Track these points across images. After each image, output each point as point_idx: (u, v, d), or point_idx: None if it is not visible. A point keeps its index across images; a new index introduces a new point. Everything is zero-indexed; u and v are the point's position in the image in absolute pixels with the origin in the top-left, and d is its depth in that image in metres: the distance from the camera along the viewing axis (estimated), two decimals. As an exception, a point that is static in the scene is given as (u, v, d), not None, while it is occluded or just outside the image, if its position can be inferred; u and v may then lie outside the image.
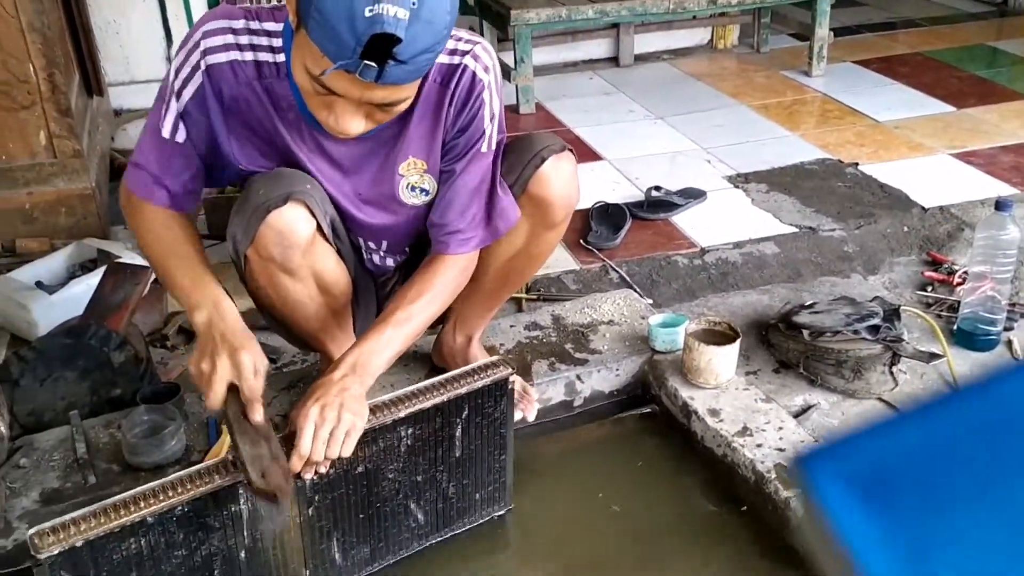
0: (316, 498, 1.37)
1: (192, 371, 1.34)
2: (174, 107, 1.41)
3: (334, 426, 1.29)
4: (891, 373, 1.91)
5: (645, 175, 2.91)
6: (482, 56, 1.45)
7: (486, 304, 1.77)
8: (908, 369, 1.96)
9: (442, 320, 1.79)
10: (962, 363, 2.00)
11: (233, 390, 1.31)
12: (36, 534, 1.18)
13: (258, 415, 1.30)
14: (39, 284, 2.21)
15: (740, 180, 2.88)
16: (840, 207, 2.66)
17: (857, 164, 2.95)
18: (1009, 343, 2.06)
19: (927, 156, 3.02)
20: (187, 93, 1.39)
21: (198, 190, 1.49)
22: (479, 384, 1.45)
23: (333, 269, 1.54)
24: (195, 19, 3.58)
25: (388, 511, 1.47)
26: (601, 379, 1.90)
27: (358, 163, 1.49)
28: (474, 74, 1.44)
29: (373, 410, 1.37)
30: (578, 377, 1.88)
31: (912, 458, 0.37)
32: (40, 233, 2.47)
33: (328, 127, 1.33)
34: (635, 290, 2.26)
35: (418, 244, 1.66)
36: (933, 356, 1.95)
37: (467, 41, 1.44)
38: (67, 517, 1.20)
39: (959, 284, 2.24)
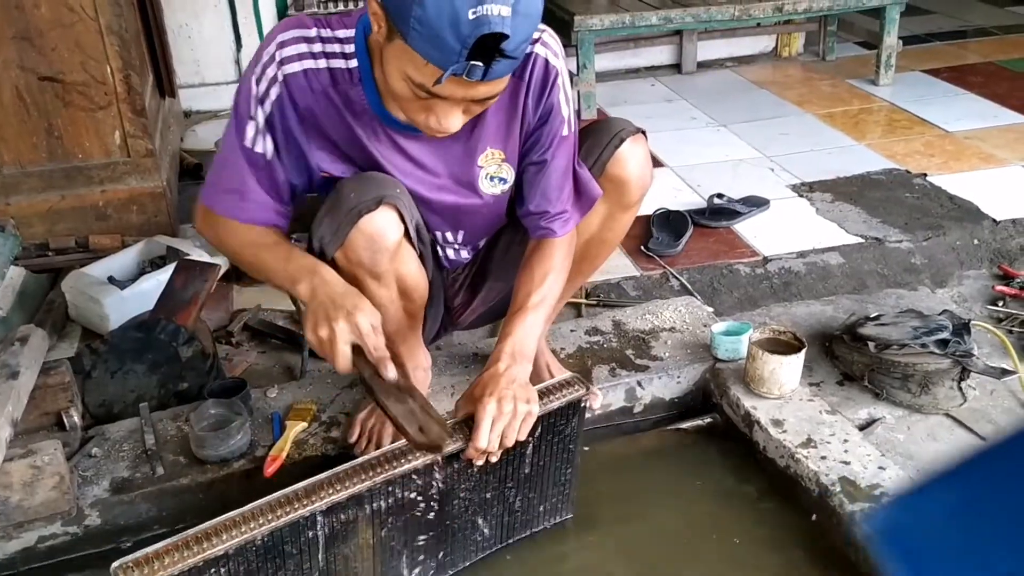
0: (390, 520, 1.37)
1: (311, 339, 1.35)
2: (258, 120, 1.42)
3: (511, 418, 1.35)
4: (960, 388, 1.87)
5: (707, 182, 2.89)
6: (551, 43, 1.47)
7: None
8: (977, 385, 1.91)
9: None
10: (1035, 380, 1.94)
11: (358, 351, 1.33)
12: (120, 567, 1.18)
13: (391, 372, 1.31)
14: (111, 279, 2.27)
15: (804, 189, 2.84)
16: (908, 218, 2.61)
17: (926, 175, 2.89)
18: (1085, 361, 2.00)
19: (999, 168, 2.95)
20: (268, 105, 1.41)
21: (285, 205, 1.49)
22: (555, 405, 1.44)
23: (415, 273, 1.56)
24: (264, 24, 3.67)
25: (456, 527, 1.47)
26: (662, 386, 1.89)
27: (437, 158, 1.51)
28: (547, 62, 1.46)
29: (448, 431, 1.37)
30: (639, 383, 1.87)
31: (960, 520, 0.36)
32: (112, 230, 2.53)
33: (428, 129, 1.34)
34: (696, 297, 2.24)
35: (492, 238, 1.69)
36: (1005, 372, 1.90)
37: (537, 29, 1.45)
38: (150, 551, 1.19)
39: (1032, 299, 2.18)
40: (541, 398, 1.42)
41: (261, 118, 1.41)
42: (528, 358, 1.46)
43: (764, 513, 1.65)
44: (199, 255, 2.25)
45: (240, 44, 3.66)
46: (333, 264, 1.48)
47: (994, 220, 2.57)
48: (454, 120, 1.32)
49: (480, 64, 1.19)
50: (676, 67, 4.04)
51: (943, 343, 1.88)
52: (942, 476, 0.37)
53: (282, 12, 3.64)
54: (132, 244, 2.42)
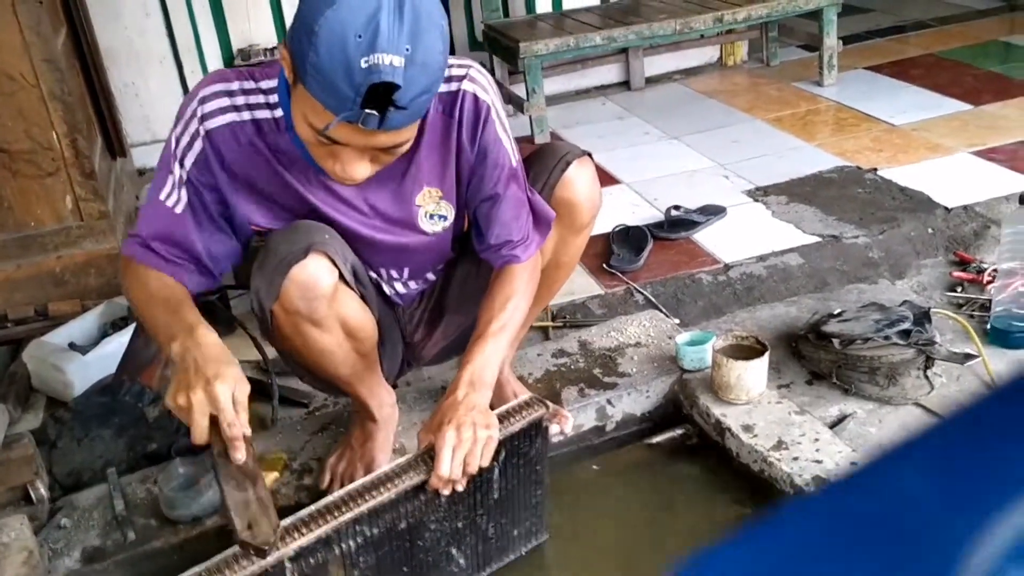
0: (362, 560, 1.36)
1: (170, 405, 1.28)
2: (175, 175, 1.41)
3: (471, 445, 1.34)
4: (926, 377, 1.88)
5: (664, 195, 2.91)
6: (478, 78, 1.47)
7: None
8: (943, 372, 1.93)
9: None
10: (998, 362, 1.96)
11: (217, 423, 1.26)
12: None
13: (240, 454, 1.25)
14: (72, 345, 2.24)
15: (759, 194, 2.87)
16: (862, 213, 2.64)
17: (876, 169, 2.93)
18: (1045, 338, 2.03)
19: (947, 156, 3.00)
20: (188, 160, 1.40)
21: (192, 262, 1.46)
22: (516, 428, 1.44)
23: (359, 314, 1.55)
24: (211, 75, 3.66)
25: (431, 560, 1.46)
26: (632, 402, 1.89)
27: (374, 199, 1.51)
28: (476, 97, 1.46)
29: (410, 466, 1.36)
30: (608, 401, 1.88)
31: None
32: (71, 295, 2.51)
33: (335, 175, 1.35)
34: (661, 310, 2.26)
35: (446, 272, 1.69)
36: (968, 357, 1.92)
37: (459, 66, 1.46)
38: None
39: (989, 282, 2.21)
40: (501, 421, 1.42)
41: (178, 173, 1.41)
42: (488, 385, 1.44)
43: (743, 520, 1.65)
44: (159, 313, 2.23)
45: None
46: (273, 317, 1.46)
47: (946, 208, 2.61)
48: (359, 168, 1.31)
49: (375, 113, 1.19)
50: (625, 84, 4.08)
51: (905, 333, 1.90)
52: (763, 529, 0.36)
53: (228, 63, 3.65)
54: (92, 308, 2.40)
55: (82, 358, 2.15)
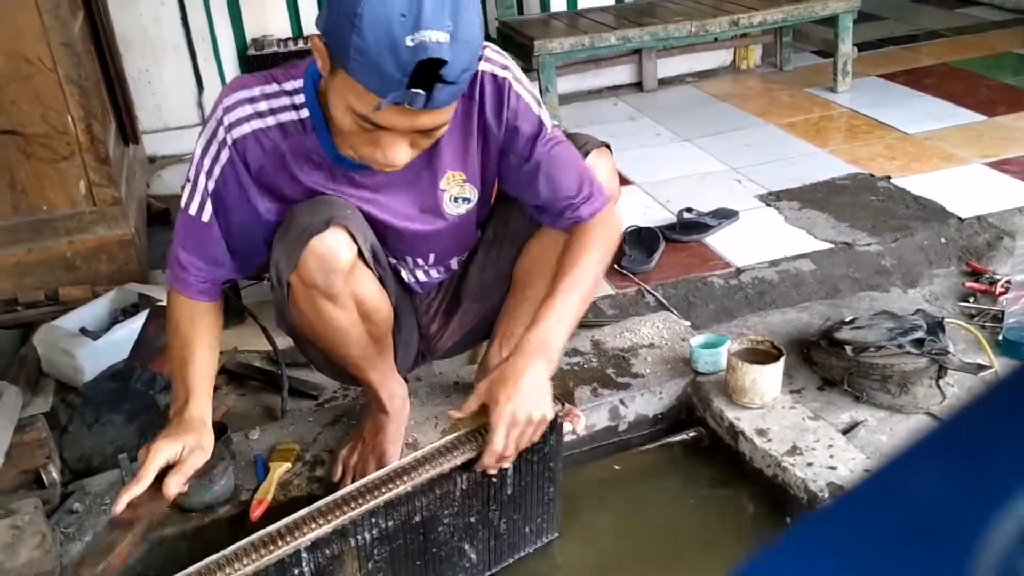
0: (376, 552, 1.36)
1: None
2: (201, 187, 1.43)
3: (525, 425, 1.36)
4: (938, 386, 1.88)
5: (676, 197, 2.91)
6: (493, 57, 1.47)
7: (529, 315, 1.75)
8: (955, 382, 1.93)
9: (487, 340, 1.80)
10: (1011, 373, 1.96)
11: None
12: None
13: (119, 505, 1.33)
14: (83, 331, 2.24)
15: (772, 198, 2.87)
16: (875, 221, 2.64)
17: (889, 177, 2.93)
18: (1058, 351, 2.03)
19: (960, 166, 2.99)
20: (216, 171, 1.42)
21: (224, 272, 1.53)
22: None
23: (375, 295, 1.55)
24: (224, 66, 3.67)
25: (443, 555, 1.46)
26: (645, 403, 1.89)
27: (400, 190, 1.52)
28: (494, 76, 1.46)
29: (426, 460, 1.37)
30: (621, 402, 1.87)
31: None
32: (82, 280, 2.50)
33: (375, 163, 1.34)
34: (673, 312, 2.25)
35: (464, 260, 1.70)
36: (981, 367, 1.92)
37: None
38: None
39: (1002, 294, 2.21)
40: (480, 435, 1.41)
41: (204, 184, 1.43)
42: (556, 349, 1.41)
43: (754, 524, 1.65)
44: (172, 300, 2.22)
45: (202, 87, 3.66)
46: (290, 290, 1.48)
47: (959, 218, 2.61)
48: (400, 153, 1.31)
49: (421, 92, 1.19)
50: (638, 85, 4.08)
51: (919, 342, 1.90)
52: (811, 525, 0.37)
53: (242, 53, 3.65)
54: (103, 294, 2.39)
55: (92, 343, 2.14)
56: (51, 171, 2.42)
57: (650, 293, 2.38)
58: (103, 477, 1.74)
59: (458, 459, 1.38)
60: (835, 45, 3.71)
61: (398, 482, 1.33)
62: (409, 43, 1.16)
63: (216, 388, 2.13)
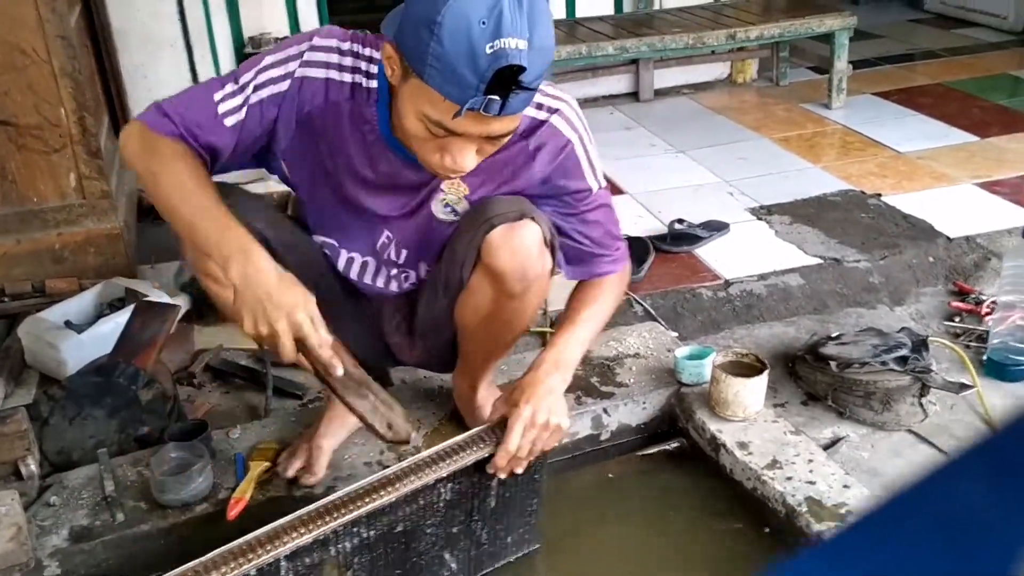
0: (356, 561, 1.35)
1: (249, 331, 1.30)
2: (245, 94, 1.39)
3: (541, 430, 1.39)
4: (921, 404, 1.89)
5: (668, 208, 2.91)
6: (569, 115, 1.48)
7: (481, 360, 1.74)
8: (938, 400, 1.94)
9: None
10: (993, 394, 1.97)
11: (303, 343, 1.31)
12: None
13: (339, 370, 1.31)
14: (68, 323, 2.23)
15: (763, 212, 2.88)
16: (864, 238, 2.65)
17: (880, 195, 2.94)
18: (1041, 373, 2.04)
19: (951, 186, 3.01)
20: (267, 91, 1.40)
21: (208, 156, 1.41)
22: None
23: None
24: (221, 62, 3.66)
25: (423, 564, 1.45)
26: (628, 412, 1.89)
27: (420, 177, 1.49)
28: (560, 132, 1.47)
29: (412, 470, 1.37)
30: (605, 411, 1.87)
31: None
32: (69, 273, 2.49)
33: (443, 169, 1.34)
34: (660, 323, 2.26)
35: (416, 294, 1.67)
36: (963, 387, 1.93)
37: (554, 98, 1.46)
38: None
39: (987, 314, 2.22)
40: (497, 432, 1.42)
41: (248, 94, 1.39)
42: (571, 368, 1.50)
43: (733, 536, 1.65)
44: (158, 296, 2.22)
45: (197, 83, 3.65)
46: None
47: (948, 237, 2.62)
48: (468, 159, 1.32)
49: (497, 98, 1.21)
50: (634, 95, 4.09)
51: (903, 360, 1.91)
52: (854, 529, 0.38)
53: (239, 51, 3.64)
54: (89, 287, 2.38)
55: (77, 337, 2.14)
56: (42, 162, 2.41)
57: (638, 303, 2.38)
58: (82, 471, 1.73)
59: (470, 458, 1.38)
60: (831, 62, 3.72)
61: (381, 492, 1.32)
62: (488, 50, 1.18)
63: (199, 385, 2.13)
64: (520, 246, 1.47)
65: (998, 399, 1.96)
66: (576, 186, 1.52)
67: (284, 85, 1.40)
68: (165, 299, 2.18)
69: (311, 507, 1.30)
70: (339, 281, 1.66)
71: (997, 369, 2.03)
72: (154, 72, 3.59)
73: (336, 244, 1.61)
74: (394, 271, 1.64)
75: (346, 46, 1.42)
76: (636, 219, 2.88)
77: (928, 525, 0.34)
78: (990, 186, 2.97)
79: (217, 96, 1.39)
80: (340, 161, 1.48)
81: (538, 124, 1.45)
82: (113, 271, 2.49)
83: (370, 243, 1.60)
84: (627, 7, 4.06)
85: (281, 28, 3.67)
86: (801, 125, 3.66)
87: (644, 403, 1.90)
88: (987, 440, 0.36)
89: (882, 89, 3.99)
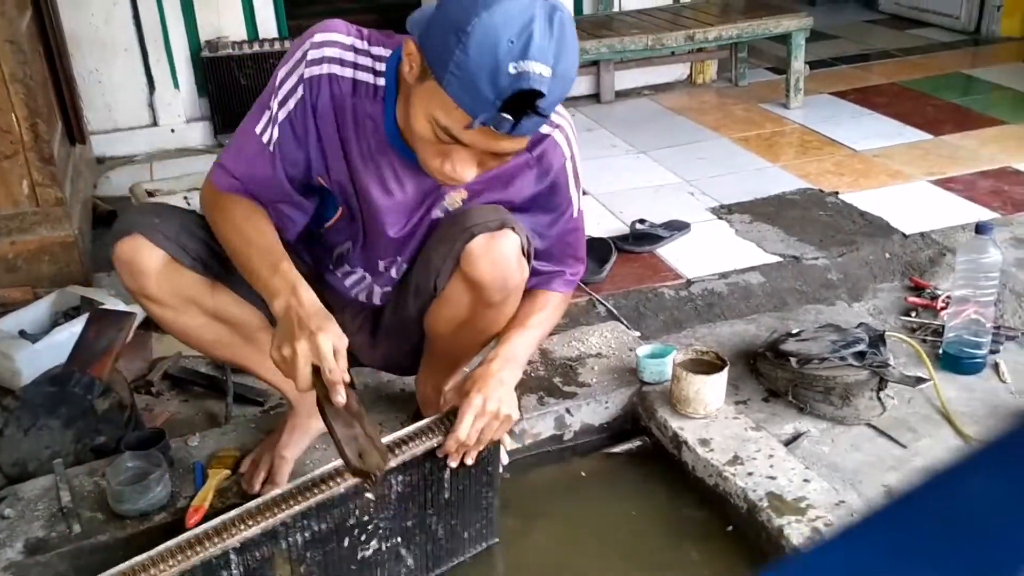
0: (308, 555, 1.35)
1: (274, 357, 1.33)
2: (272, 111, 1.41)
3: (491, 418, 1.41)
4: (879, 399, 1.91)
5: (629, 208, 2.93)
6: (568, 133, 1.51)
7: (448, 364, 1.74)
8: (896, 394, 1.96)
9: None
10: (948, 386, 2.00)
11: (318, 372, 1.31)
12: None
13: (340, 396, 1.30)
14: (22, 333, 2.19)
15: (723, 211, 2.90)
16: (822, 235, 2.68)
17: (837, 193, 2.97)
18: (996, 366, 2.07)
19: (906, 183, 3.05)
20: (291, 102, 1.40)
21: (277, 195, 1.47)
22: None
23: (224, 299, 1.56)
24: (177, 67, 3.62)
25: (379, 559, 1.45)
26: (591, 412, 1.90)
27: (413, 200, 1.50)
28: (559, 148, 1.49)
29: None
30: (567, 411, 1.88)
31: None
32: (23, 282, 2.45)
33: (442, 174, 1.33)
34: (622, 322, 2.26)
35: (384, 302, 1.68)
36: (920, 380, 1.96)
37: (558, 114, 1.48)
38: None
39: (942, 309, 2.25)
40: (447, 422, 1.43)
41: (275, 111, 1.41)
42: (520, 365, 1.53)
43: (695, 533, 1.66)
44: (114, 304, 2.19)
45: (153, 88, 3.61)
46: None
47: (903, 234, 2.66)
48: (469, 170, 1.32)
49: (509, 118, 1.20)
50: (595, 96, 4.10)
51: (860, 355, 1.93)
52: (851, 530, 0.38)
53: (195, 55, 3.60)
54: (44, 296, 2.35)
55: (32, 346, 2.10)
56: (-7, 170, 2.36)
57: (601, 303, 2.39)
58: (37, 482, 1.70)
59: (419, 448, 1.39)
60: (788, 62, 3.77)
61: (330, 483, 1.32)
62: (512, 70, 1.17)
63: (158, 394, 2.10)
64: (500, 256, 1.47)
65: (953, 392, 2.00)
66: (559, 202, 1.55)
67: (300, 92, 1.40)
68: (121, 307, 2.15)
69: (259, 499, 1.30)
70: None
71: (952, 362, 2.06)
72: (108, 77, 3.55)
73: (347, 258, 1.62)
74: (387, 288, 1.65)
75: (348, 40, 1.40)
76: (598, 219, 2.89)
77: (930, 530, 0.35)
78: (944, 183, 3.02)
79: (258, 129, 1.43)
80: (345, 162, 1.46)
81: (541, 137, 1.46)
82: (68, 279, 2.45)
83: (372, 263, 1.60)
84: (587, 9, 4.08)
85: (238, 32, 3.64)
86: (760, 125, 3.69)
87: (606, 402, 1.90)
88: (990, 443, 0.36)
89: (839, 89, 4.05)
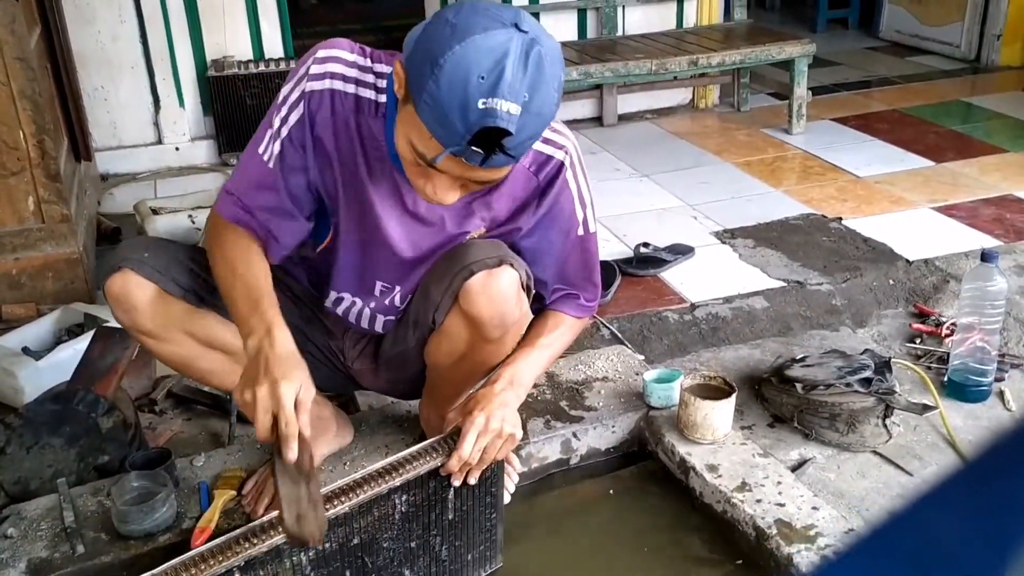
0: (312, 574, 1.34)
1: (236, 399, 1.31)
2: (274, 128, 1.42)
3: (494, 437, 1.40)
4: (885, 426, 1.91)
5: (633, 232, 2.93)
6: (573, 155, 1.51)
7: (451, 393, 1.71)
8: (901, 421, 1.96)
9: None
10: (954, 415, 2.00)
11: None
12: None
13: (292, 452, 1.24)
14: (25, 350, 2.19)
15: (727, 236, 2.91)
16: (826, 261, 2.69)
17: (840, 219, 2.98)
18: (1001, 394, 2.07)
19: (909, 210, 3.06)
20: (292, 118, 1.41)
21: (280, 224, 1.47)
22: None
23: (215, 327, 1.55)
24: (183, 87, 3.63)
25: None
26: (597, 436, 1.89)
27: (431, 218, 1.50)
28: (562, 168, 1.49)
29: (365, 480, 1.36)
30: (574, 434, 1.87)
31: None
32: (27, 299, 2.45)
33: (424, 195, 1.35)
34: (627, 346, 2.26)
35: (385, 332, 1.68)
36: (926, 408, 1.95)
37: (563, 136, 1.49)
38: None
39: (947, 336, 2.25)
40: (451, 442, 1.42)
41: (277, 127, 1.41)
42: (525, 387, 1.52)
43: (702, 560, 1.65)
44: (117, 322, 2.18)
45: (159, 106, 3.62)
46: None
47: (907, 260, 2.66)
48: (450, 194, 1.32)
49: (480, 151, 1.21)
50: (598, 120, 4.12)
51: (867, 381, 1.93)
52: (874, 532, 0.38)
53: (201, 74, 3.62)
54: (48, 313, 2.34)
55: (35, 364, 2.09)
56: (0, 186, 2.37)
57: (605, 326, 2.39)
58: (40, 502, 1.68)
59: (423, 467, 1.38)
60: (791, 88, 3.79)
61: (335, 502, 1.31)
62: (480, 105, 1.17)
63: (161, 412, 2.09)
64: (498, 293, 1.46)
65: (959, 420, 1.99)
66: (565, 222, 1.55)
67: (301, 107, 1.40)
68: (126, 325, 2.14)
69: (264, 518, 1.29)
70: (299, 308, 1.65)
71: (957, 390, 2.06)
72: (114, 94, 3.56)
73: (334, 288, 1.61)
74: (390, 317, 1.64)
75: (351, 57, 1.41)
76: (602, 243, 2.86)
77: (905, 557, 0.35)
78: (947, 210, 3.03)
79: (260, 148, 1.44)
80: (353, 184, 1.46)
81: (546, 160, 1.48)
82: (72, 296, 2.44)
83: (368, 284, 1.59)
84: (591, 33, 4.11)
85: (245, 51, 3.66)
86: (762, 150, 3.71)
87: (613, 427, 1.90)
88: (960, 469, 0.37)
89: (840, 115, 4.07)
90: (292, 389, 1.25)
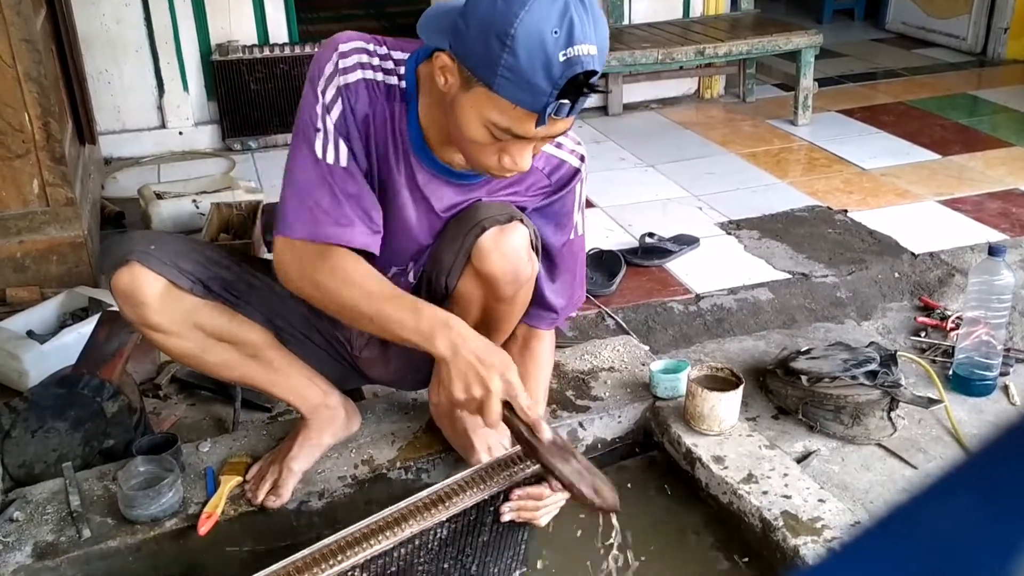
0: None
1: (461, 398, 1.30)
2: (326, 130, 1.38)
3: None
4: (890, 419, 1.91)
5: (638, 222, 2.93)
6: (584, 165, 1.58)
7: None
8: (906, 414, 1.96)
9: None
10: (959, 408, 2.00)
11: (508, 408, 1.31)
12: None
13: (547, 432, 1.30)
14: (30, 333, 2.18)
15: (732, 227, 2.90)
16: (831, 253, 2.68)
17: (846, 211, 2.98)
18: (1006, 388, 2.07)
19: (914, 203, 3.06)
20: (335, 114, 1.39)
21: (376, 221, 1.43)
22: (519, 478, 1.39)
23: (221, 320, 1.55)
24: (187, 71, 3.61)
25: None
26: (603, 426, 1.89)
27: (441, 206, 1.51)
28: (577, 172, 1.56)
29: (413, 511, 1.33)
30: (580, 424, 1.87)
31: None
32: (31, 282, 2.44)
33: (500, 169, 1.35)
34: (632, 336, 2.26)
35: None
36: (932, 401, 1.95)
37: (579, 145, 1.57)
38: None
39: (952, 329, 2.25)
40: (503, 472, 1.39)
41: (330, 126, 1.38)
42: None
43: (709, 550, 1.65)
44: (124, 306, 2.17)
45: (163, 90, 3.60)
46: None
47: (913, 253, 2.66)
48: (527, 158, 1.34)
49: (567, 102, 1.23)
50: (603, 109, 4.11)
51: (872, 374, 1.93)
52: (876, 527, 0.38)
53: (206, 58, 3.60)
54: (52, 296, 2.34)
55: (39, 347, 2.09)
56: (4, 168, 2.36)
57: (610, 316, 2.38)
58: (46, 485, 1.68)
59: (470, 500, 1.35)
60: (797, 79, 3.78)
61: (379, 538, 1.28)
62: (562, 58, 1.20)
63: (166, 397, 2.09)
64: (511, 249, 1.48)
65: (964, 414, 2.00)
66: (564, 217, 1.58)
67: (340, 103, 1.39)
68: (131, 309, 2.13)
69: (305, 552, 1.25)
70: (302, 304, 1.64)
71: (963, 384, 2.06)
72: (119, 77, 3.55)
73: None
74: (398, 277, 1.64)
75: (370, 47, 1.41)
76: (607, 232, 2.89)
77: (911, 549, 0.35)
78: (952, 203, 3.03)
79: (319, 154, 1.38)
80: (381, 170, 1.46)
81: (559, 164, 1.53)
82: (76, 280, 2.44)
83: (384, 270, 1.57)
84: (596, 21, 4.08)
85: (249, 36, 3.64)
86: (768, 141, 3.70)
87: (620, 417, 1.90)
88: (966, 461, 0.37)
89: (846, 107, 4.06)
90: (516, 374, 1.30)
